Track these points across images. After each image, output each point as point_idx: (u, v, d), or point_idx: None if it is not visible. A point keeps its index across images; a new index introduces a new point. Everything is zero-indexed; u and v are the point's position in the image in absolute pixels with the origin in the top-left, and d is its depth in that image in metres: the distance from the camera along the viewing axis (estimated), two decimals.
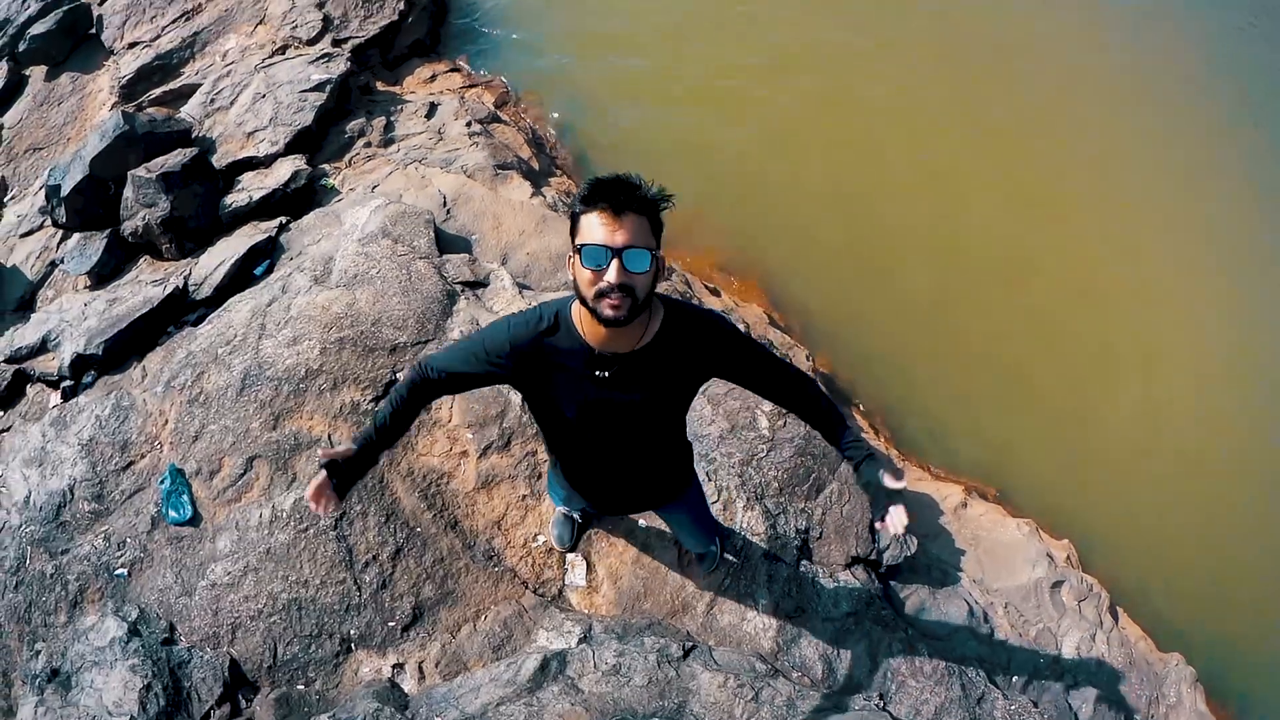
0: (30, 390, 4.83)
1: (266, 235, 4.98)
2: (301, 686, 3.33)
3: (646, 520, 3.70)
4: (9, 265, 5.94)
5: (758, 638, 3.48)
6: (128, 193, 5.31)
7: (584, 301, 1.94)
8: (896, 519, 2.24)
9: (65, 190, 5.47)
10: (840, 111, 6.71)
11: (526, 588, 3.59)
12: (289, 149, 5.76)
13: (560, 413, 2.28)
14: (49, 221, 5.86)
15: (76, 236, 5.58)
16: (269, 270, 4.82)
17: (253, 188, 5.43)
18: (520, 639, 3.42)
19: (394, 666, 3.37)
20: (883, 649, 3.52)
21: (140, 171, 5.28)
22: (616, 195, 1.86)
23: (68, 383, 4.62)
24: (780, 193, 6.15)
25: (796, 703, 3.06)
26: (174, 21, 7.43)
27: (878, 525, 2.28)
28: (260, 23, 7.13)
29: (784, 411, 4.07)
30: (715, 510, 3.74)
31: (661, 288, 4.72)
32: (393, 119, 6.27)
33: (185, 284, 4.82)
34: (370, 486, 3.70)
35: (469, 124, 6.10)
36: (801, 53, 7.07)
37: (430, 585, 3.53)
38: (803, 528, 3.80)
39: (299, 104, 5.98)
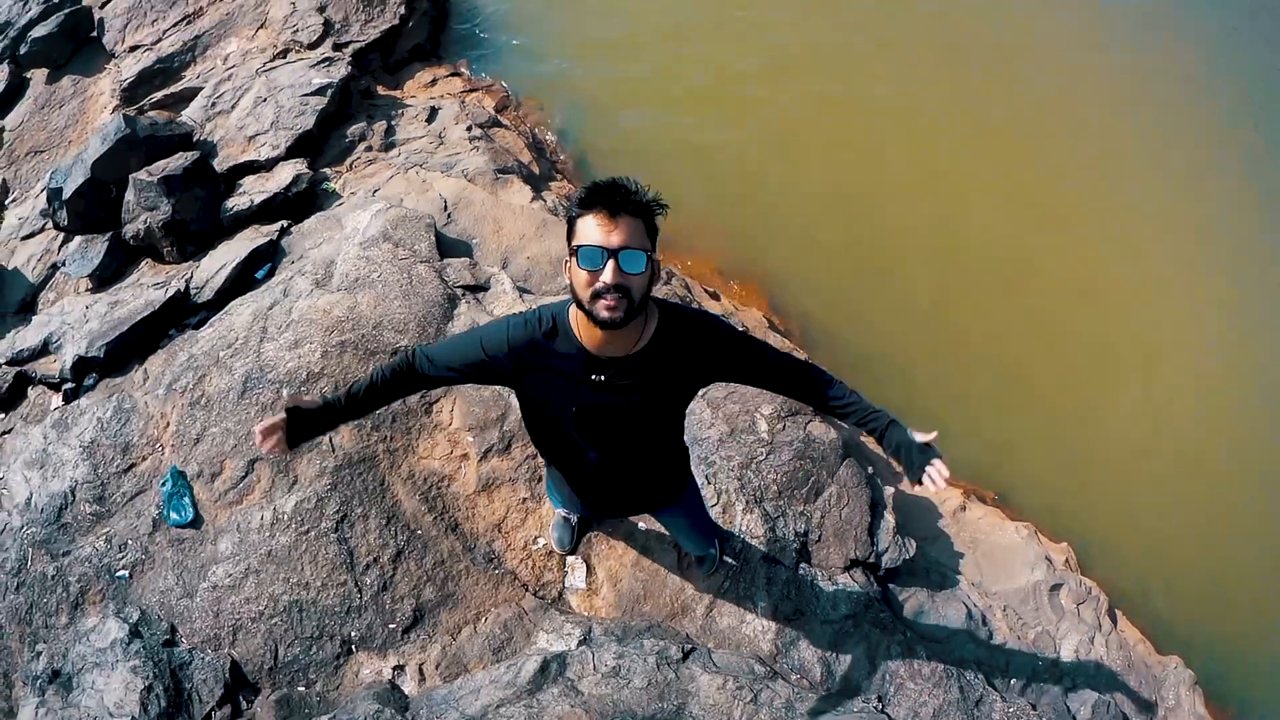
0: (31, 392, 4.85)
1: (268, 239, 4.99)
2: (302, 688, 3.34)
3: (646, 523, 3.71)
4: (10, 267, 5.96)
5: (757, 640, 3.50)
6: (129, 196, 5.33)
7: (580, 304, 1.96)
8: (938, 474, 2.24)
9: (67, 193, 5.48)
10: (840, 113, 6.73)
11: (527, 590, 3.61)
12: (290, 153, 5.79)
13: (557, 416, 2.30)
14: (50, 224, 5.88)
15: (78, 239, 5.59)
16: (270, 274, 4.84)
17: (254, 191, 5.45)
18: (520, 641, 3.43)
19: (394, 668, 3.38)
20: (881, 651, 3.54)
21: (142, 175, 5.29)
22: (612, 198, 1.88)
23: (69, 385, 4.63)
24: (780, 194, 6.17)
25: (795, 705, 3.07)
26: (175, 25, 7.45)
27: (917, 489, 2.25)
28: (261, 26, 7.15)
29: (783, 415, 4.09)
30: (714, 513, 3.75)
31: (661, 292, 4.76)
32: (393, 123, 6.29)
33: (187, 287, 4.83)
34: (371, 489, 3.72)
35: (469, 128, 6.12)
36: (801, 54, 7.09)
37: (431, 587, 3.55)
38: (801, 530, 3.81)
39: (300, 108, 6.00)
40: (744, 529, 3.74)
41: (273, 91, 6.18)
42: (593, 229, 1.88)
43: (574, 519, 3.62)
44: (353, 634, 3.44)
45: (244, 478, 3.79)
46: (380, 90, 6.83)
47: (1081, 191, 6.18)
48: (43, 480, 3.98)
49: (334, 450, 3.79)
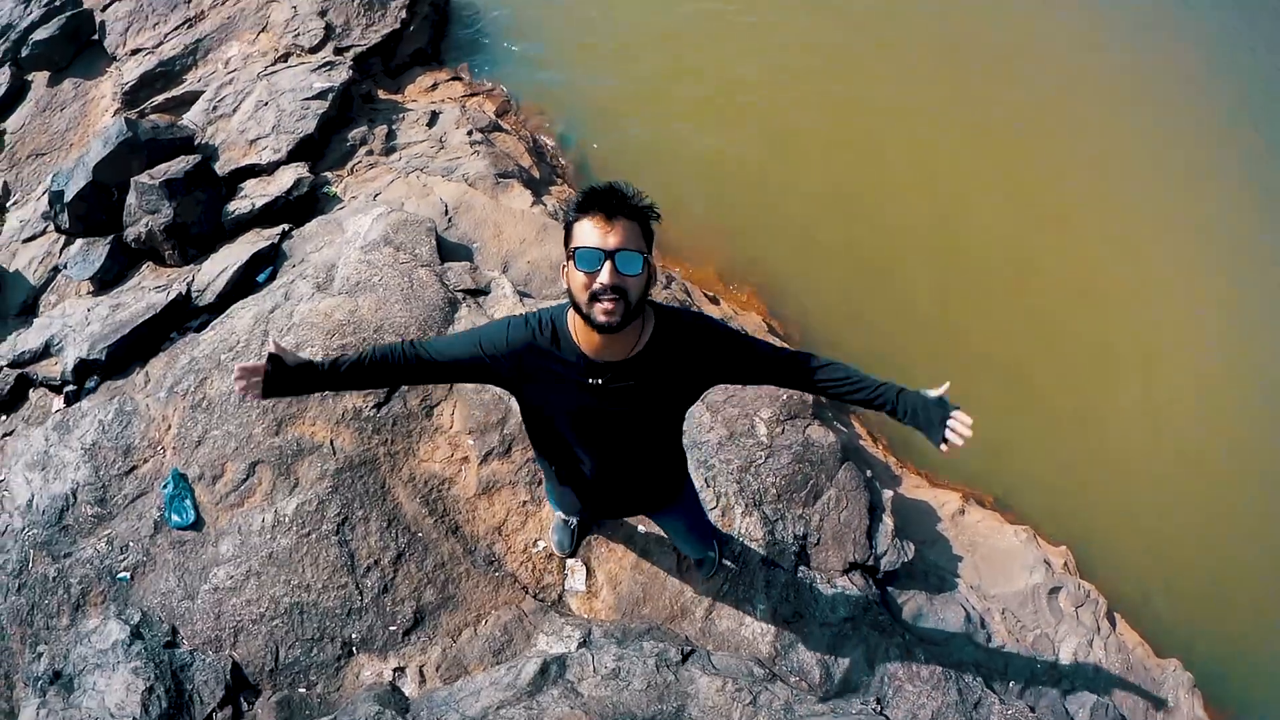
0: (33, 394, 4.86)
1: (269, 242, 5.01)
2: (303, 690, 3.35)
3: (646, 526, 3.73)
4: (11, 270, 5.97)
5: (756, 642, 3.51)
6: (131, 199, 5.34)
7: (578, 308, 1.98)
8: (960, 425, 2.20)
9: (68, 196, 5.50)
10: (840, 115, 6.75)
11: (527, 593, 3.62)
12: (291, 157, 5.81)
13: (555, 419, 2.32)
14: (52, 227, 5.89)
15: (79, 242, 5.61)
16: (272, 277, 4.86)
17: (255, 195, 5.46)
18: (520, 643, 3.45)
19: (395, 670, 3.40)
20: (880, 654, 3.55)
21: (143, 178, 5.31)
22: (609, 201, 1.92)
23: (70, 387, 4.65)
24: (779, 197, 6.19)
25: (794, 707, 3.08)
26: (176, 28, 7.47)
27: (944, 449, 2.22)
28: (262, 30, 7.17)
29: (782, 418, 4.11)
30: (714, 516, 3.76)
31: (661, 296, 4.78)
32: (394, 127, 6.31)
33: (188, 290, 4.85)
34: (372, 492, 3.73)
35: (470, 132, 6.14)
36: (801, 58, 7.12)
37: (431, 590, 3.56)
38: (801, 533, 3.83)
39: (301, 112, 6.01)
40: (743, 532, 3.75)
41: (274, 95, 6.19)
42: (590, 232, 1.91)
43: (574, 522, 3.63)
44: (353, 636, 3.45)
45: (245, 480, 3.80)
46: (381, 94, 6.85)
47: (1081, 191, 6.21)
48: (44, 482, 4.00)
49: (335, 453, 3.81)
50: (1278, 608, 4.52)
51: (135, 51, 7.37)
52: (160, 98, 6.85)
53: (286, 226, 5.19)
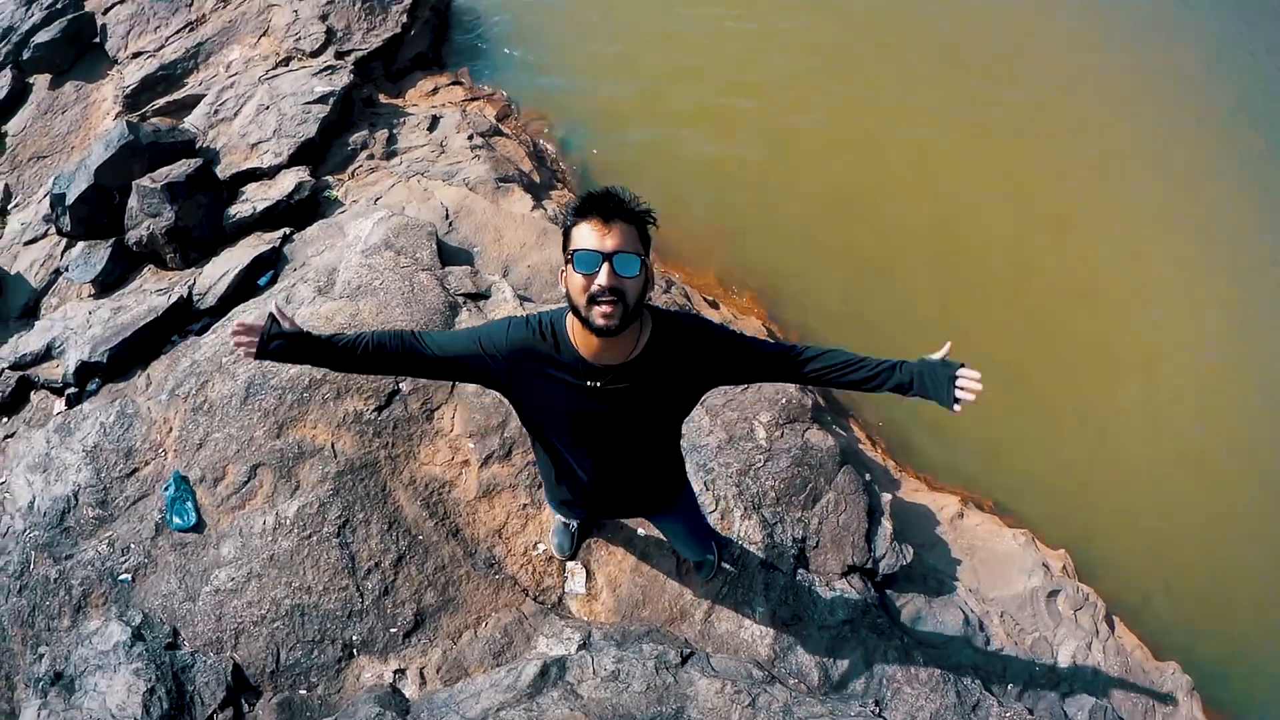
0: (34, 397, 4.88)
1: (270, 246, 5.03)
2: (304, 691, 3.36)
3: (645, 529, 3.74)
4: (13, 272, 5.99)
5: (755, 645, 3.52)
6: (132, 202, 5.36)
7: (576, 311, 2.00)
8: (969, 383, 2.20)
9: (70, 199, 5.52)
10: (840, 118, 6.79)
11: (527, 595, 3.63)
12: (292, 160, 5.82)
13: (553, 422, 2.34)
14: (53, 229, 5.91)
15: (81, 245, 5.62)
16: (273, 281, 4.87)
17: (256, 199, 5.48)
18: (520, 645, 3.46)
19: (395, 672, 3.41)
20: (878, 656, 3.56)
21: (145, 181, 5.33)
22: (606, 205, 1.94)
23: (72, 390, 4.67)
24: (779, 198, 6.22)
25: (793, 709, 3.09)
26: (178, 32, 7.51)
27: (956, 409, 2.20)
28: (264, 34, 7.20)
29: (781, 422, 4.13)
30: (713, 519, 3.78)
31: (661, 300, 4.79)
32: (395, 131, 6.33)
33: (190, 293, 4.87)
34: (373, 495, 3.74)
35: (470, 137, 6.16)
36: (801, 61, 7.16)
37: (432, 592, 3.57)
38: (799, 537, 3.84)
39: (302, 116, 6.04)
40: (742, 535, 3.77)
41: (275, 99, 6.22)
42: (588, 235, 1.93)
43: (574, 525, 3.65)
44: (354, 638, 3.47)
45: (246, 483, 3.82)
46: (382, 98, 6.87)
47: (1081, 191, 6.25)
48: (45, 484, 4.01)
49: (336, 456, 3.82)
50: (1277, 609, 4.52)
51: (136, 55, 7.40)
52: (161, 101, 6.88)
53: (287, 230, 5.21)
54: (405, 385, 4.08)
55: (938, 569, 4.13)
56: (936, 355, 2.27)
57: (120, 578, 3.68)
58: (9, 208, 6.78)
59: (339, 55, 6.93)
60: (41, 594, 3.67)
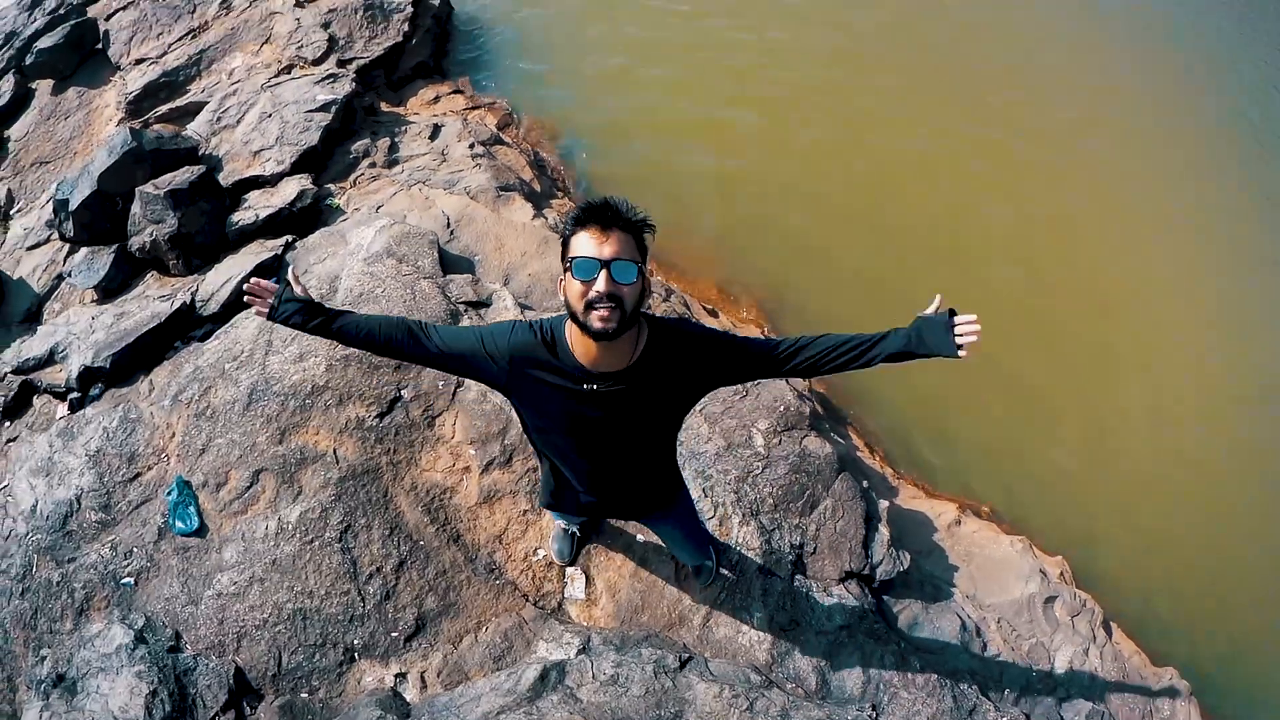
0: (37, 401, 4.91)
1: (273, 253, 5.06)
2: (305, 695, 3.39)
3: (644, 535, 3.77)
4: (15, 277, 6.01)
5: (753, 650, 3.55)
6: (135, 208, 5.39)
7: (574, 317, 2.04)
8: (968, 328, 2.21)
9: (73, 205, 5.54)
10: (841, 128, 6.81)
11: (527, 600, 3.66)
12: (295, 168, 5.85)
13: (551, 425, 2.38)
14: (56, 235, 5.94)
15: (84, 250, 5.65)
16: None
17: (259, 206, 5.51)
18: (520, 650, 3.49)
19: (396, 676, 3.43)
20: (875, 661, 3.59)
21: (148, 188, 5.36)
22: (604, 214, 1.99)
23: (75, 394, 4.69)
24: (779, 208, 6.22)
25: (790, 713, 3.13)
26: (180, 39, 7.53)
27: (962, 354, 2.20)
28: (266, 41, 7.23)
29: (779, 429, 4.16)
30: (712, 526, 3.82)
31: (660, 309, 4.83)
32: (397, 140, 6.37)
33: (192, 300, 4.90)
34: (374, 501, 3.78)
35: (472, 146, 6.19)
36: (804, 73, 7.17)
37: (433, 597, 3.60)
38: (797, 543, 3.88)
39: (305, 124, 6.07)
40: (740, 541, 3.80)
41: (277, 107, 6.25)
42: (586, 242, 1.98)
43: (573, 530, 3.68)
44: (355, 642, 3.49)
45: (249, 488, 3.85)
46: (384, 107, 6.90)
47: (1082, 194, 6.28)
48: (48, 488, 4.03)
49: (338, 462, 3.86)
50: (1277, 611, 4.53)
51: (139, 61, 7.42)
52: (164, 108, 6.90)
53: (290, 238, 5.23)
54: (407, 392, 4.11)
55: (935, 575, 4.16)
56: (928, 311, 2.30)
57: (123, 581, 3.70)
58: (11, 213, 6.80)
59: (341, 63, 6.96)
60: (44, 597, 3.69)
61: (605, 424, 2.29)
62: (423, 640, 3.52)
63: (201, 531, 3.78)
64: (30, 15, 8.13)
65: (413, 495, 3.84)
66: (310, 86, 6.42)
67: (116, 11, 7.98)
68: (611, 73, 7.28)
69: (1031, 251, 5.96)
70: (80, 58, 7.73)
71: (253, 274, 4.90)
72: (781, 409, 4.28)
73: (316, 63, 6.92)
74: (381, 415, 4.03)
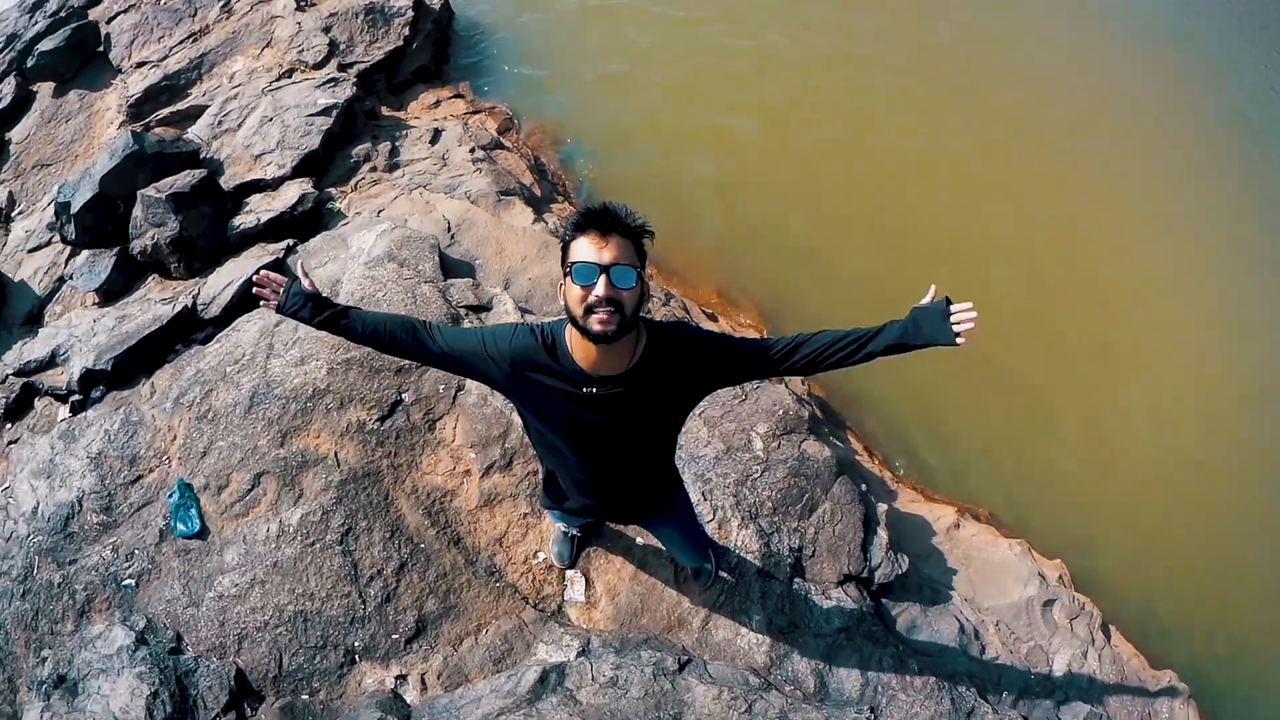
0: (38, 403, 4.91)
1: (274, 257, 5.07)
2: (306, 696, 3.40)
3: (644, 538, 3.79)
4: (17, 280, 6.02)
5: (751, 652, 3.57)
6: (137, 212, 5.41)
7: (574, 321, 2.06)
8: (965, 316, 2.22)
9: (75, 207, 5.56)
10: (841, 133, 6.84)
11: (527, 603, 3.68)
12: (296, 172, 5.88)
13: (551, 428, 2.39)
14: (57, 237, 5.95)
15: (85, 253, 5.66)
16: None
17: (260, 210, 5.53)
18: (520, 652, 3.50)
19: (397, 678, 3.45)
20: (874, 664, 3.61)
21: (150, 191, 5.37)
22: (604, 219, 2.01)
23: (76, 397, 4.70)
24: (778, 213, 6.26)
25: (789, 715, 3.14)
26: (181, 42, 7.56)
27: (960, 342, 2.21)
28: (267, 45, 7.26)
29: (778, 433, 4.18)
30: (711, 529, 3.83)
31: (660, 313, 4.85)
32: (397, 144, 6.39)
33: (194, 303, 4.91)
34: (375, 504, 3.79)
35: (472, 150, 6.21)
36: (804, 78, 7.21)
37: (433, 599, 3.62)
38: (796, 546, 3.90)
39: (306, 128, 6.09)
40: (739, 544, 3.82)
41: (279, 111, 6.27)
42: (586, 247, 2.00)
43: (574, 533, 3.70)
44: (356, 644, 3.51)
45: (250, 491, 3.86)
46: (384, 111, 6.92)
47: (1082, 195, 6.31)
48: (50, 490, 4.05)
49: (339, 465, 3.87)
50: (1274, 619, 4.55)
51: (140, 64, 7.45)
52: (165, 111, 6.92)
53: (291, 241, 5.25)
54: (408, 396, 4.13)
55: (933, 578, 4.18)
56: (923, 301, 2.31)
57: (124, 583, 3.72)
58: (13, 215, 6.81)
59: (342, 67, 6.99)
60: (45, 598, 3.70)
61: (605, 427, 2.30)
62: (423, 642, 3.54)
63: (203, 534, 3.79)
64: (31, 18, 8.16)
65: (414, 498, 3.86)
66: (311, 90, 6.45)
67: (118, 15, 8.02)
68: (611, 78, 7.31)
69: (1032, 252, 5.98)
70: (81, 61, 7.75)
71: (253, 278, 4.91)
72: (780, 413, 4.30)
73: (317, 67, 6.95)
74: (382, 419, 4.05)
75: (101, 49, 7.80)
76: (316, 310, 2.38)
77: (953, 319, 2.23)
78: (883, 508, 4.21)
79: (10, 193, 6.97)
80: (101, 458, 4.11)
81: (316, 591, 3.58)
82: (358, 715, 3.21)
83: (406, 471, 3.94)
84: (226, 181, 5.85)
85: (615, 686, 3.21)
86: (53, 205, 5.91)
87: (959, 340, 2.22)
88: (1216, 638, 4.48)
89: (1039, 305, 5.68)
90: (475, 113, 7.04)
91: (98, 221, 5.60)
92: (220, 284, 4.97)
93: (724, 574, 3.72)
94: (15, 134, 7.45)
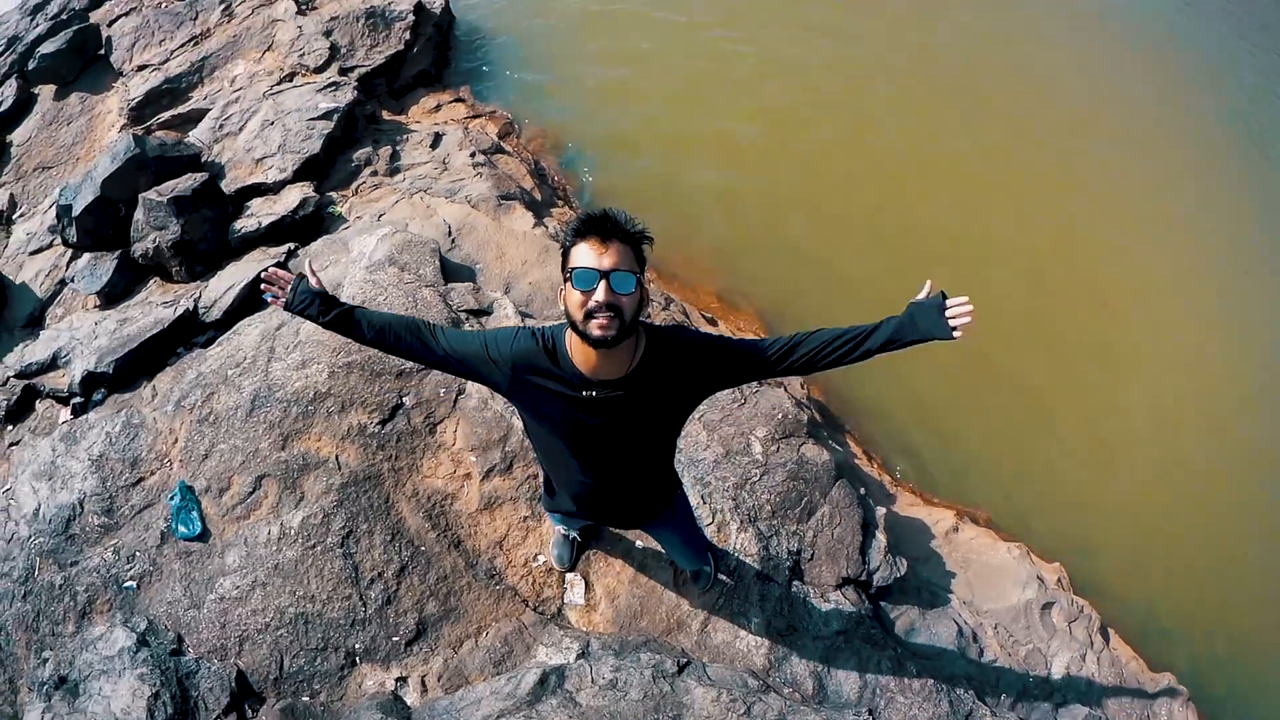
0: (39, 405, 4.92)
1: (275, 261, 5.09)
2: (307, 698, 3.41)
3: (643, 541, 3.81)
4: (18, 282, 6.03)
5: (750, 655, 3.58)
6: (138, 215, 5.42)
7: (574, 326, 2.08)
8: (960, 311, 2.23)
9: (76, 210, 5.57)
10: (841, 137, 6.87)
11: (527, 605, 3.69)
12: (297, 176, 5.89)
13: (551, 431, 2.41)
14: (59, 240, 5.97)
15: (87, 256, 5.67)
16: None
17: (262, 214, 5.55)
18: (520, 654, 3.52)
19: (397, 680, 3.46)
20: (872, 666, 3.62)
21: (151, 194, 5.39)
22: (604, 225, 2.03)
23: (78, 399, 4.71)
24: (778, 217, 6.27)
25: (787, 717, 3.16)
26: (183, 45, 7.57)
27: (957, 335, 2.23)
28: (268, 49, 7.28)
29: (777, 437, 4.20)
30: (710, 532, 3.85)
31: (660, 317, 4.86)
32: (398, 148, 6.41)
33: (195, 307, 4.93)
34: (376, 507, 3.80)
35: (473, 154, 6.23)
36: (806, 86, 7.23)
37: (434, 602, 3.63)
38: (794, 549, 3.91)
39: (307, 132, 6.11)
40: (738, 548, 3.83)
41: (280, 115, 6.29)
42: (586, 253, 2.02)
43: (573, 536, 3.71)
44: (357, 646, 3.52)
45: (251, 493, 3.88)
46: (385, 115, 6.94)
47: (1084, 198, 6.34)
48: (51, 492, 4.06)
49: (340, 468, 3.89)
50: (1272, 622, 4.56)
51: (142, 67, 7.46)
52: (166, 114, 6.94)
53: (292, 245, 5.27)
54: (408, 399, 4.15)
55: (932, 582, 4.20)
56: (920, 296, 2.33)
57: (125, 585, 3.73)
58: (14, 217, 6.82)
59: (343, 71, 7.01)
60: (46, 599, 3.71)
61: (604, 431, 2.32)
62: (423, 645, 3.55)
63: (204, 536, 3.80)
64: (33, 20, 8.17)
65: (414, 501, 3.87)
66: (312, 94, 6.47)
67: (119, 17, 8.03)
68: (612, 83, 7.33)
69: (1032, 253, 6.01)
70: (83, 63, 7.76)
71: (255, 283, 4.92)
72: (780, 416, 4.32)
73: (318, 70, 6.97)
74: (383, 422, 4.06)
75: (103, 52, 7.82)
76: (325, 309, 2.40)
77: (949, 313, 2.25)
78: (881, 511, 4.22)
79: (11, 195, 6.98)
80: (103, 460, 4.12)
81: (317, 594, 3.59)
82: (358, 717, 3.22)
83: (407, 475, 3.95)
84: (228, 185, 5.87)
85: (615, 689, 3.22)
86: (54, 208, 5.92)
87: (956, 334, 2.24)
88: (1216, 638, 4.49)
89: (1039, 305, 5.70)
90: (476, 117, 7.06)
91: (99, 224, 5.62)
92: (221, 287, 4.99)
93: (723, 577, 3.73)
94: (16, 136, 7.46)
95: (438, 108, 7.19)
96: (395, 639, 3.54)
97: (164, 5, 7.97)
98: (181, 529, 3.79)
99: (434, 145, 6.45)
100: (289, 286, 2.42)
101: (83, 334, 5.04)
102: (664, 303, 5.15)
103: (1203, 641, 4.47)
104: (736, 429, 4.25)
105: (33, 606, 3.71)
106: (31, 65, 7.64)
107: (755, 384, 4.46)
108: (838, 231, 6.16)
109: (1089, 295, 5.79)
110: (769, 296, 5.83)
